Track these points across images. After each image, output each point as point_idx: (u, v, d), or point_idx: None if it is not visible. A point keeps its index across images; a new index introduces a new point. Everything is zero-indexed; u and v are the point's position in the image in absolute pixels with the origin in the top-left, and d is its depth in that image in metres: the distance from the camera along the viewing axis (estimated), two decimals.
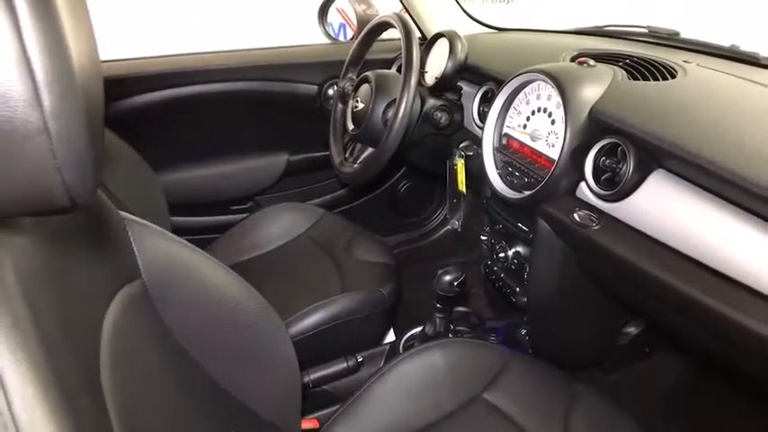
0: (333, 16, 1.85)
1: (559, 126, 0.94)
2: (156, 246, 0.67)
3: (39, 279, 0.38)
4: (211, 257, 0.74)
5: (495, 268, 1.16)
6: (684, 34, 1.28)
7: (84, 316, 0.45)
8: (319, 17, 1.74)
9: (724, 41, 1.18)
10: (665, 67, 0.98)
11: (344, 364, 1.19)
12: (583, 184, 0.91)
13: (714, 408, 1.24)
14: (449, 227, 1.84)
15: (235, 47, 1.59)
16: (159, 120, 1.47)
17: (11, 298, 0.34)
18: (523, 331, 1.22)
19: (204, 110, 1.51)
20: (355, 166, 1.28)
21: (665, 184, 0.80)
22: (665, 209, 0.79)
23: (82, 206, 0.34)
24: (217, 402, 0.72)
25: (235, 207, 1.67)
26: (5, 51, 0.28)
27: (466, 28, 1.57)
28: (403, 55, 1.12)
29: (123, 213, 0.65)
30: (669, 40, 1.25)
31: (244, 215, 1.55)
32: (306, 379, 1.15)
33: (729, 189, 0.71)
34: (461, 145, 1.23)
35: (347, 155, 1.37)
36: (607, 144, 0.86)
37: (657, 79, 0.95)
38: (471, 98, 1.23)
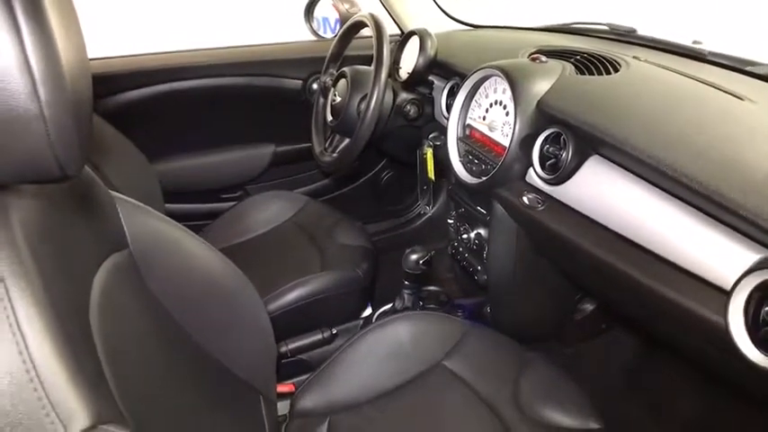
0: (329, 11, 1.93)
1: (512, 117, 1.03)
2: (142, 221, 0.76)
3: (38, 233, 0.47)
4: (194, 234, 0.84)
5: (461, 249, 1.26)
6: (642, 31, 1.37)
7: (76, 271, 0.55)
8: (306, 15, 1.82)
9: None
10: (609, 62, 1.07)
11: (320, 336, 1.30)
12: (531, 170, 1.00)
13: (666, 381, 1.33)
14: (421, 212, 1.94)
15: (225, 44, 1.69)
16: (154, 113, 1.56)
17: (17, 243, 0.44)
18: (489, 309, 1.32)
19: (196, 104, 1.61)
20: (334, 155, 1.37)
21: (599, 169, 0.89)
22: (599, 191, 0.88)
23: (72, 177, 0.44)
24: (197, 360, 0.82)
25: (225, 195, 1.78)
26: (11, 57, 0.38)
27: (442, 25, 1.66)
28: (374, 52, 1.22)
29: (113, 193, 0.74)
30: (626, 36, 1.34)
31: (233, 203, 1.65)
32: (283, 349, 1.26)
33: (651, 172, 0.80)
34: (431, 135, 1.33)
35: (327, 145, 1.47)
36: (551, 133, 0.96)
37: (602, 73, 1.04)
38: (440, 92, 1.33)
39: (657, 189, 0.79)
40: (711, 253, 0.70)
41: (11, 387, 0.40)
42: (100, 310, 0.57)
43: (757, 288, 0.62)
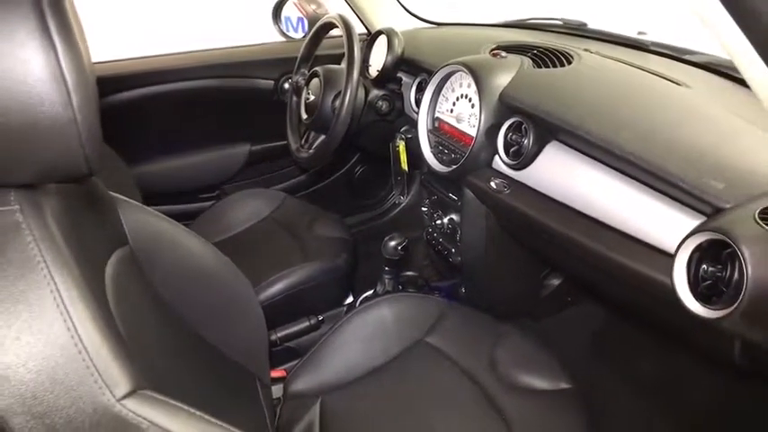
0: (291, 10, 1.99)
1: (477, 109, 1.12)
2: (139, 219, 0.82)
3: (65, 227, 0.53)
4: (188, 230, 0.90)
5: (435, 234, 1.35)
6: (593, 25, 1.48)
7: (93, 259, 0.60)
8: (273, 17, 1.87)
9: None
10: (563, 55, 1.16)
11: (307, 323, 1.36)
12: (497, 157, 1.09)
13: (628, 346, 1.44)
14: (396, 202, 2.02)
15: (197, 47, 1.73)
16: (130, 117, 1.59)
17: (54, 236, 0.50)
18: (463, 289, 1.41)
19: (171, 106, 1.65)
20: (310, 151, 1.44)
21: (558, 153, 0.98)
22: (559, 173, 0.97)
23: (95, 173, 0.50)
24: (198, 347, 0.88)
25: (203, 195, 1.82)
26: (47, 70, 0.44)
27: (407, 23, 1.74)
28: (345, 52, 1.28)
29: (112, 193, 0.80)
30: (578, 30, 1.45)
31: (211, 202, 1.69)
32: (273, 337, 1.32)
33: (603, 154, 0.89)
34: (402, 129, 1.41)
35: (303, 142, 1.53)
36: (513, 122, 1.04)
37: (556, 66, 1.13)
38: (409, 88, 1.40)
39: (609, 168, 0.89)
40: (657, 222, 0.80)
41: (63, 358, 0.46)
42: (112, 299, 0.63)
43: (696, 249, 0.71)
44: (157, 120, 1.66)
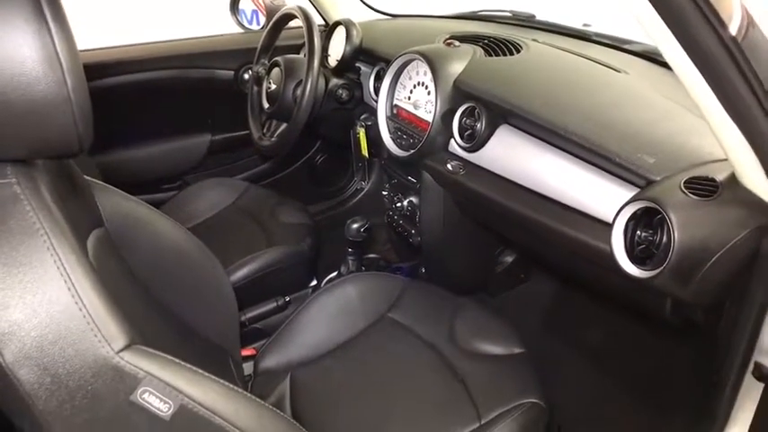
0: (245, 3, 2.00)
1: (433, 96, 1.18)
2: (114, 202, 0.85)
3: (55, 198, 0.57)
4: (161, 213, 0.93)
5: (396, 216, 1.41)
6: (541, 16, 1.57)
7: (79, 234, 0.64)
8: (231, 9, 1.88)
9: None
10: (513, 45, 1.24)
11: (274, 304, 1.41)
12: (452, 141, 1.15)
13: (576, 315, 1.55)
14: (358, 188, 2.07)
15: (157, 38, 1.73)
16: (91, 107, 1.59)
17: (49, 206, 0.54)
18: (423, 269, 1.48)
19: (131, 97, 1.65)
20: (272, 139, 1.47)
21: (508, 136, 1.06)
22: (509, 154, 1.05)
23: (84, 151, 0.54)
24: (174, 325, 0.91)
25: (165, 186, 1.82)
26: (44, 53, 0.47)
27: (363, 15, 1.79)
28: (306, 42, 1.33)
29: (87, 177, 0.82)
30: (526, 21, 1.53)
31: (173, 193, 1.70)
32: (242, 318, 1.36)
33: (548, 135, 0.97)
34: (362, 117, 1.46)
35: (265, 131, 1.56)
36: (467, 107, 1.11)
37: (506, 55, 1.21)
38: (368, 77, 1.46)
39: (555, 148, 0.97)
40: (597, 195, 0.88)
41: (65, 316, 0.50)
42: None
43: (631, 217, 0.79)
44: (117, 110, 1.65)
